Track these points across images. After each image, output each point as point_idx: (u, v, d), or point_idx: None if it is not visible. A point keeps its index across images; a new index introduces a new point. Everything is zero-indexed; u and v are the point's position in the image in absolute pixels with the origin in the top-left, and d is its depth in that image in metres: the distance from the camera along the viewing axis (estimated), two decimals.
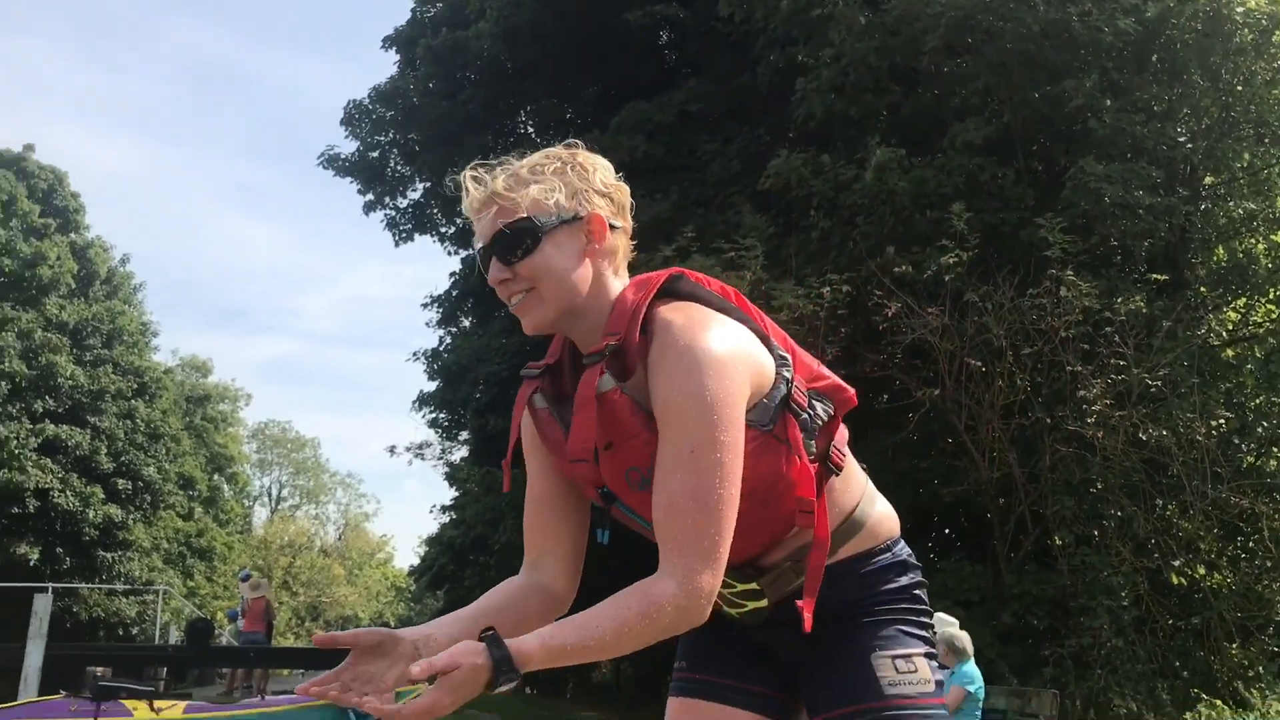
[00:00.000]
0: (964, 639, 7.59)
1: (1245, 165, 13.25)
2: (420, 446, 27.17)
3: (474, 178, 1.69)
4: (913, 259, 11.44)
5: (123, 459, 28.96)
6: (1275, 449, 12.07)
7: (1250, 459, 11.86)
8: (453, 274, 23.55)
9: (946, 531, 14.75)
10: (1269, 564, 11.26)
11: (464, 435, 23.65)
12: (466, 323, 23.20)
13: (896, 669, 1.76)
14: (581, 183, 1.68)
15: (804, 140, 14.17)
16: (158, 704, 10.13)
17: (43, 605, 13.41)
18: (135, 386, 30.22)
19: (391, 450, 34.21)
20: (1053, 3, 12.05)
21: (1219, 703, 11.06)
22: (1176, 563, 11.27)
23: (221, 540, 36.18)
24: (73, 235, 30.82)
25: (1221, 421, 11.07)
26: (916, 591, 1.87)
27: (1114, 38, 12.01)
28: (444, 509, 30.35)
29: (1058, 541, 10.96)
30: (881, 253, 11.72)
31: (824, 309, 11.25)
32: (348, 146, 22.13)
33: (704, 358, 1.56)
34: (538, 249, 1.64)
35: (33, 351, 27.37)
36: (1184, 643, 11.15)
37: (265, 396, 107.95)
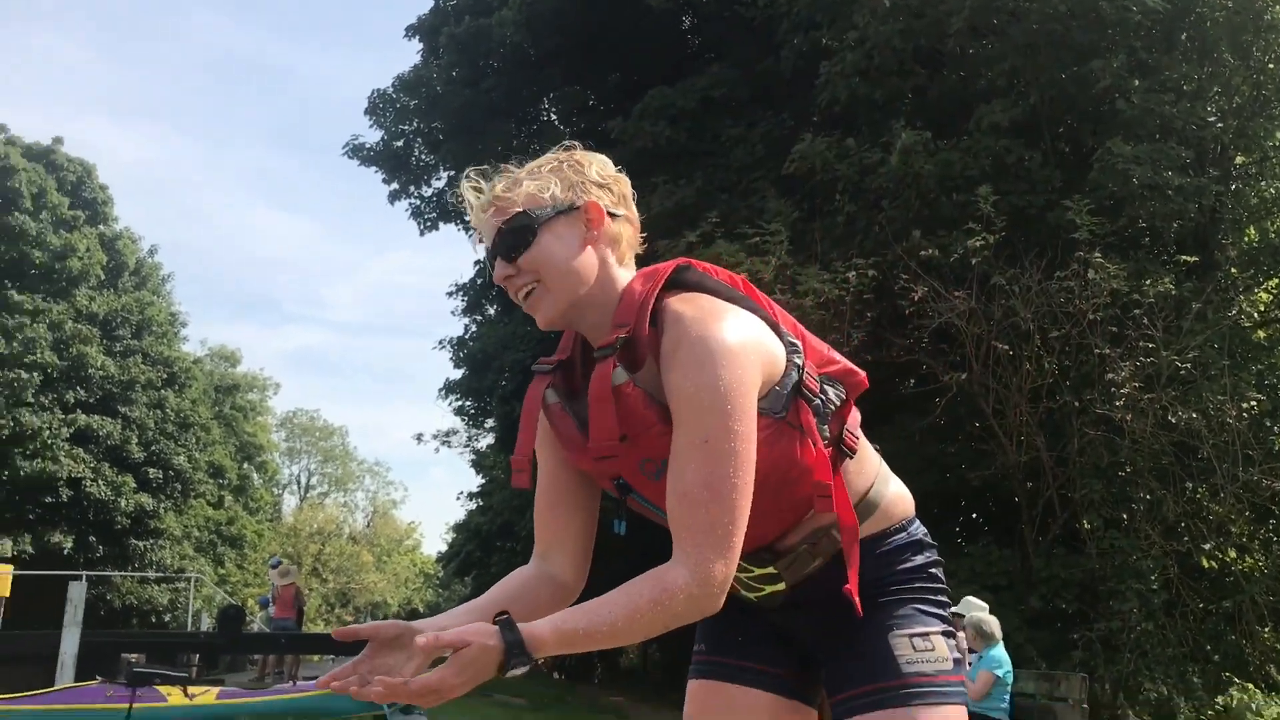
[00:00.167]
0: (992, 623, 7.57)
1: (1277, 144, 13.08)
2: (447, 434, 27.32)
3: (473, 187, 1.73)
4: (939, 242, 11.38)
5: (153, 448, 29.26)
6: None
7: None
8: (477, 262, 23.48)
9: (974, 516, 14.69)
10: None
11: (490, 423, 23.74)
12: (491, 310, 23.26)
13: (914, 647, 1.77)
14: (577, 176, 1.72)
15: (828, 124, 14.10)
16: (191, 690, 10.27)
17: (77, 593, 13.60)
18: (165, 376, 30.49)
19: (418, 438, 34.26)
20: None
21: (1250, 686, 11.00)
22: (1207, 546, 11.19)
23: (251, 528, 36.51)
24: (101, 227, 31.06)
25: (1253, 404, 10.96)
26: (933, 570, 1.88)
27: (1142, 16, 11.88)
28: (471, 496, 30.50)
29: (1086, 525, 10.90)
30: (907, 236, 11.67)
31: (850, 294, 11.21)
32: (372, 136, 22.24)
33: (716, 348, 1.57)
34: (536, 241, 1.67)
35: (64, 343, 27.67)
36: (1215, 626, 11.07)
37: (293, 385, 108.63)
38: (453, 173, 21.63)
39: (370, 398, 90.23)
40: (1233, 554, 11.55)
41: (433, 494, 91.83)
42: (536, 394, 1.77)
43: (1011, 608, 10.21)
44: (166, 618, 29.59)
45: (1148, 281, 10.70)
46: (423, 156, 22.36)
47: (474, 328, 24.46)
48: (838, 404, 1.78)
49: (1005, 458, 11.20)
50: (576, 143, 1.80)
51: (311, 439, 55.83)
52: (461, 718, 11.65)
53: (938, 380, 11.39)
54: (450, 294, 24.46)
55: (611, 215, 1.72)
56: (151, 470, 28.96)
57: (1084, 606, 10.68)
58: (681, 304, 1.65)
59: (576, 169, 1.72)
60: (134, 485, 28.19)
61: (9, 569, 18.83)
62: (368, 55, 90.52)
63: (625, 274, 1.73)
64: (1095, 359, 10.58)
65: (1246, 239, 13.39)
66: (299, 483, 56.26)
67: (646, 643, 26.42)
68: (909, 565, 1.85)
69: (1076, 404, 10.86)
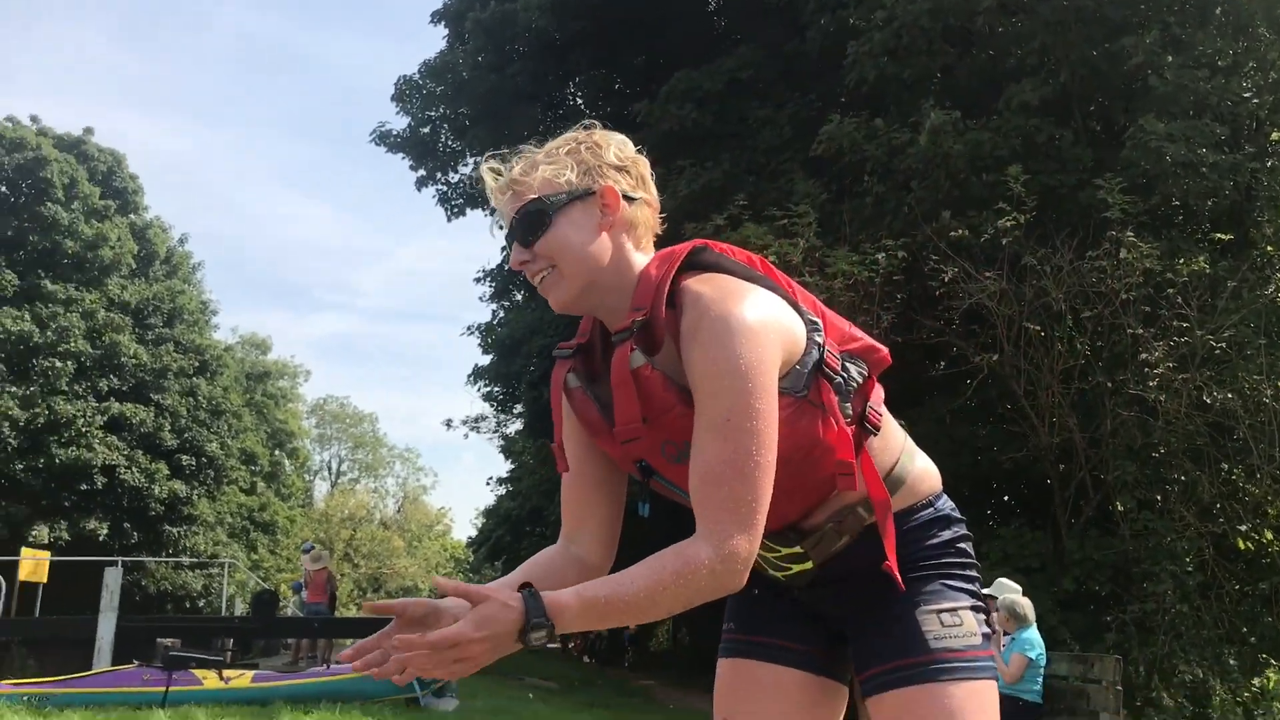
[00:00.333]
0: (1025, 605, 7.52)
1: None
2: (476, 420, 27.48)
3: (491, 169, 1.75)
4: (969, 223, 11.30)
5: (186, 435, 29.54)
6: None
7: None
8: (504, 248, 23.64)
9: (1006, 498, 14.62)
10: None
11: (518, 408, 23.84)
12: (519, 296, 23.32)
13: (942, 622, 1.77)
14: (594, 159, 1.71)
15: (856, 105, 14.00)
16: (226, 673, 10.40)
17: (113, 579, 13.77)
18: (197, 364, 30.76)
19: (448, 424, 34.54)
20: None
21: None
22: (1243, 527, 11.08)
23: (284, 514, 36.81)
24: (132, 216, 31.35)
25: None
26: (961, 545, 1.87)
27: None
28: (500, 481, 30.66)
29: (1119, 507, 10.81)
30: (937, 217, 11.59)
31: (879, 275, 11.15)
32: (399, 123, 22.31)
33: (736, 326, 1.57)
34: (552, 226, 1.67)
35: (96, 331, 27.97)
36: (1251, 608, 10.98)
37: (323, 372, 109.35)
38: (479, 158, 21.64)
39: (400, 384, 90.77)
40: (1269, 535, 11.44)
41: (463, 479, 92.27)
42: (558, 379, 1.79)
43: (1044, 590, 10.15)
44: (201, 603, 29.93)
45: (1181, 260, 10.58)
46: (449, 142, 22.40)
47: (502, 313, 24.55)
48: (860, 381, 1.77)
49: (1037, 439, 11.12)
50: (596, 122, 1.79)
51: (342, 425, 56.21)
52: (493, 699, 11.72)
53: (968, 362, 11.31)
54: (478, 280, 24.57)
55: (628, 199, 1.71)
56: (184, 457, 29.25)
57: (1117, 588, 10.61)
58: (700, 284, 1.64)
59: (594, 151, 1.72)
60: (167, 472, 28.48)
61: (46, 555, 19.15)
62: (394, 42, 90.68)
63: (642, 257, 1.73)
64: (1128, 339, 10.48)
65: None
66: (330, 469, 56.75)
67: (676, 626, 26.53)
68: (936, 541, 1.84)
69: (1109, 385, 10.76)
